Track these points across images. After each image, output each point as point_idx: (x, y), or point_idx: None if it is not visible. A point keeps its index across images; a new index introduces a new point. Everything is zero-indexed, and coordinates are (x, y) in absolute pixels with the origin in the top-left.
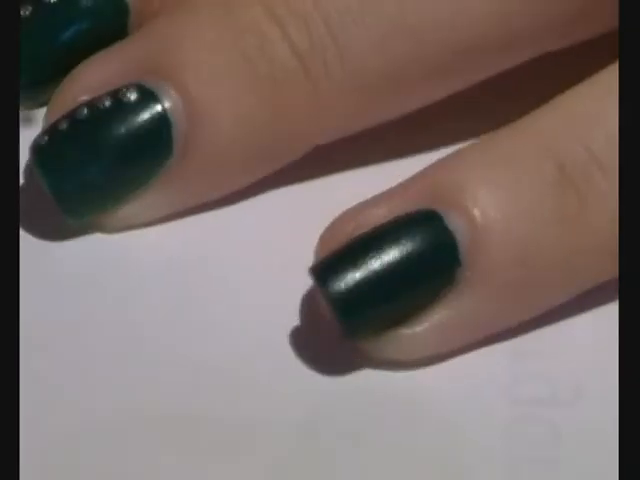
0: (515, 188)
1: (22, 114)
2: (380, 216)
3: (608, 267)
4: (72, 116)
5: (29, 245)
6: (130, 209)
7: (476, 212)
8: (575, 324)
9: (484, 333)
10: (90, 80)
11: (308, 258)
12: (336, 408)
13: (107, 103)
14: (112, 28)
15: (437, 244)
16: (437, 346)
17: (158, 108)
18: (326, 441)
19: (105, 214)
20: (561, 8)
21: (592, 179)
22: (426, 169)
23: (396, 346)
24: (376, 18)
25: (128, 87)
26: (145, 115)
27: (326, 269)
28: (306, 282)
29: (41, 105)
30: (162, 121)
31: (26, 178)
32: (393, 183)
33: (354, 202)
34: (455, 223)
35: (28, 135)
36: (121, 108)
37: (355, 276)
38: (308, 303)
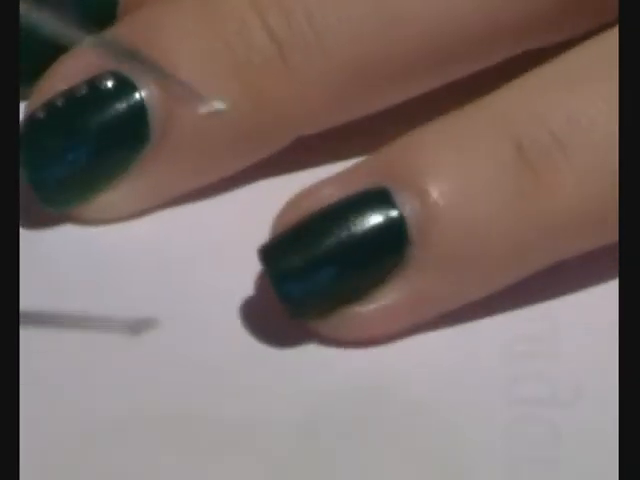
0: (469, 166)
1: None
2: (331, 195)
3: (562, 247)
4: (49, 105)
5: (29, 245)
6: (110, 198)
7: (427, 189)
8: (575, 324)
9: (436, 312)
10: (69, 70)
11: None
12: (336, 408)
13: (83, 91)
14: (99, 20)
15: (385, 221)
16: (388, 325)
17: (134, 94)
18: (326, 441)
19: (84, 203)
20: (545, 4)
21: (550, 158)
22: (379, 150)
23: (345, 325)
24: (356, 7)
25: (105, 75)
26: (121, 102)
27: (271, 250)
28: None
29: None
30: (138, 107)
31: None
32: None
33: None
34: (404, 200)
35: None
36: (97, 95)
37: (299, 256)
38: None
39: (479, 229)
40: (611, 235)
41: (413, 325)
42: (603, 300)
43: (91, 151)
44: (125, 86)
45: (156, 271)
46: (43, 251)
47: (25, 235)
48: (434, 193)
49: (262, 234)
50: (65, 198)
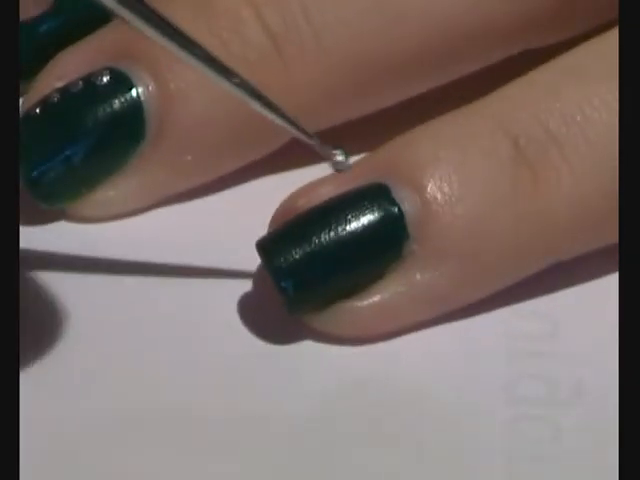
0: (467, 164)
1: None
2: (331, 192)
3: (560, 245)
4: (45, 101)
5: (26, 243)
6: (106, 195)
7: (426, 186)
8: (575, 323)
9: (435, 310)
10: (66, 68)
11: None
12: (336, 408)
13: (79, 87)
14: (93, 20)
15: (384, 217)
16: (386, 321)
17: (130, 90)
18: (326, 441)
19: (79, 200)
20: (544, 4)
21: (547, 156)
22: (379, 148)
23: (344, 320)
24: (355, 3)
25: (101, 71)
26: (117, 97)
27: (270, 243)
28: None
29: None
30: (134, 103)
31: None
32: None
33: None
34: (403, 196)
35: None
36: (93, 91)
37: (297, 250)
38: None
39: (477, 226)
40: (610, 234)
41: (412, 323)
42: (603, 300)
43: (86, 147)
44: (121, 83)
45: (153, 268)
46: (40, 248)
47: (22, 232)
48: (433, 189)
49: (260, 233)
50: (59, 194)
